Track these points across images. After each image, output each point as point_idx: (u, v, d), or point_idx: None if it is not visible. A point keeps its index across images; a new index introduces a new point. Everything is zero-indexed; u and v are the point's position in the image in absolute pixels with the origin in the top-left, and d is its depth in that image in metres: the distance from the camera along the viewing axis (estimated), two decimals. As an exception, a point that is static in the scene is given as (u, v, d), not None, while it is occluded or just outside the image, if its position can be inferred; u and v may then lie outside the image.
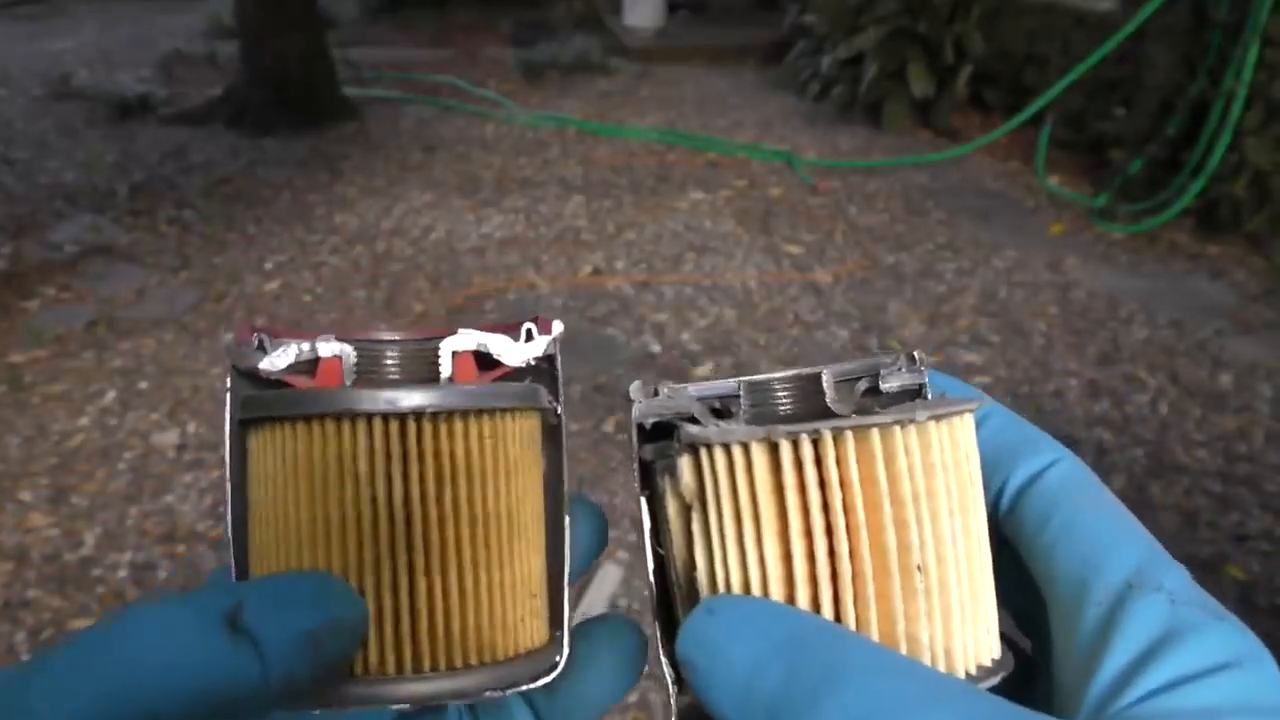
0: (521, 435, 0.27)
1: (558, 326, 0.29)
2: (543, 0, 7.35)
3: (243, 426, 0.27)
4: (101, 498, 2.12)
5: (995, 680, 0.25)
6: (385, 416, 0.25)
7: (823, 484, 0.23)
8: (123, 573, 1.91)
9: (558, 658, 0.28)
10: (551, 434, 0.29)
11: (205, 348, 2.73)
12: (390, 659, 0.25)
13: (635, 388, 0.28)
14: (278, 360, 0.28)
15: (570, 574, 0.29)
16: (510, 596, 0.27)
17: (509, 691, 0.26)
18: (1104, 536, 0.24)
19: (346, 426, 0.25)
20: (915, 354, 0.27)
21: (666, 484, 0.27)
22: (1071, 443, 1.69)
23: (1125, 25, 3.78)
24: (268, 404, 0.26)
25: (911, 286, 3.15)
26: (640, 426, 0.28)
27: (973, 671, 0.24)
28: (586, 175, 4.12)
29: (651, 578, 0.27)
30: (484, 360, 0.29)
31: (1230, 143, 3.36)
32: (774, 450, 0.24)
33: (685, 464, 0.26)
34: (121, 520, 2.05)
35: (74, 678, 0.19)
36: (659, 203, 3.83)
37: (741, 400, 0.27)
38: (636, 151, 4.44)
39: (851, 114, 4.86)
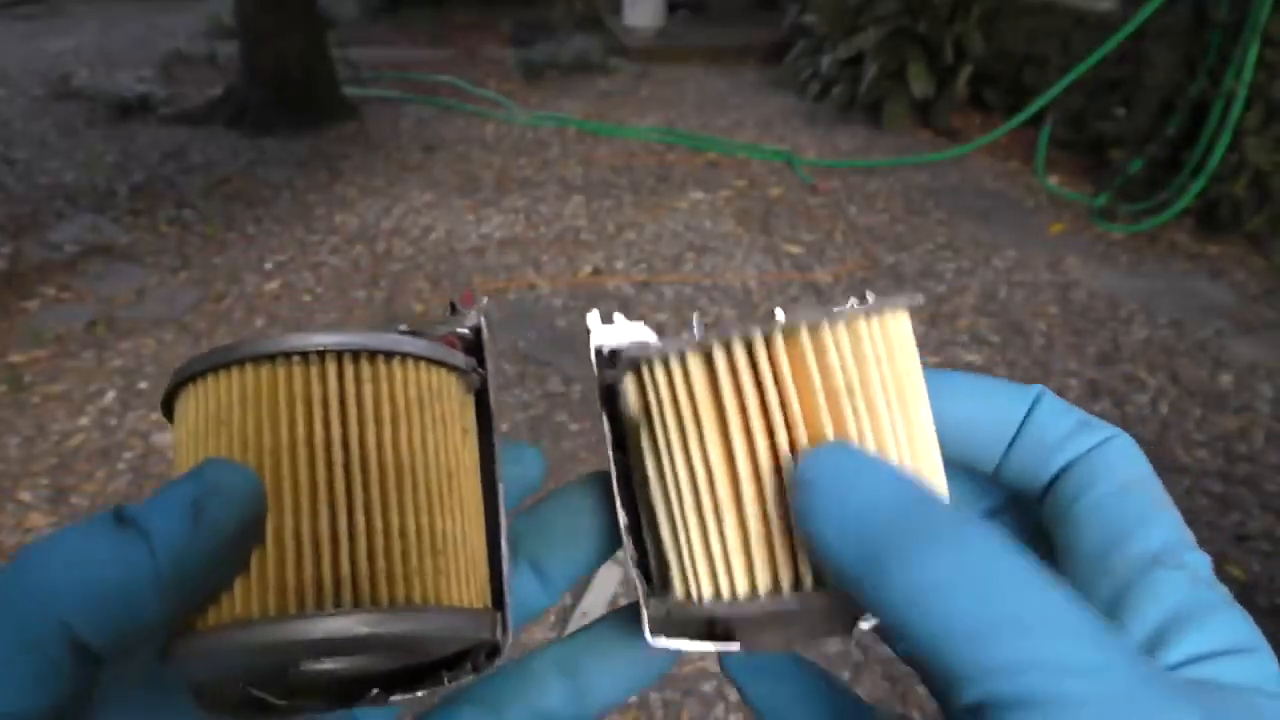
0: (414, 385, 0.27)
1: (482, 299, 0.31)
2: (542, 0, 7.35)
3: (167, 407, 0.27)
4: (101, 498, 2.12)
5: None
6: (304, 355, 0.25)
7: (759, 384, 0.24)
8: (123, 573, 1.91)
9: (500, 636, 0.27)
10: (479, 399, 0.30)
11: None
12: (292, 598, 0.23)
13: (592, 318, 0.29)
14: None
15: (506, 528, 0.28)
16: (434, 547, 0.25)
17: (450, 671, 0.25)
18: (1134, 513, 0.24)
19: (266, 367, 0.25)
20: (866, 294, 0.27)
21: (622, 405, 0.28)
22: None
23: (1125, 25, 3.78)
24: (189, 365, 0.26)
25: (911, 286, 3.15)
26: (599, 352, 0.29)
27: None
28: (586, 175, 4.12)
29: (616, 486, 0.28)
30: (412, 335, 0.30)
31: (1230, 143, 3.36)
32: (709, 358, 0.25)
33: (629, 383, 0.27)
34: (121, 520, 2.05)
35: None
36: (659, 203, 3.83)
37: (695, 333, 0.28)
38: (636, 151, 4.44)
39: (851, 114, 4.86)
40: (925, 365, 0.27)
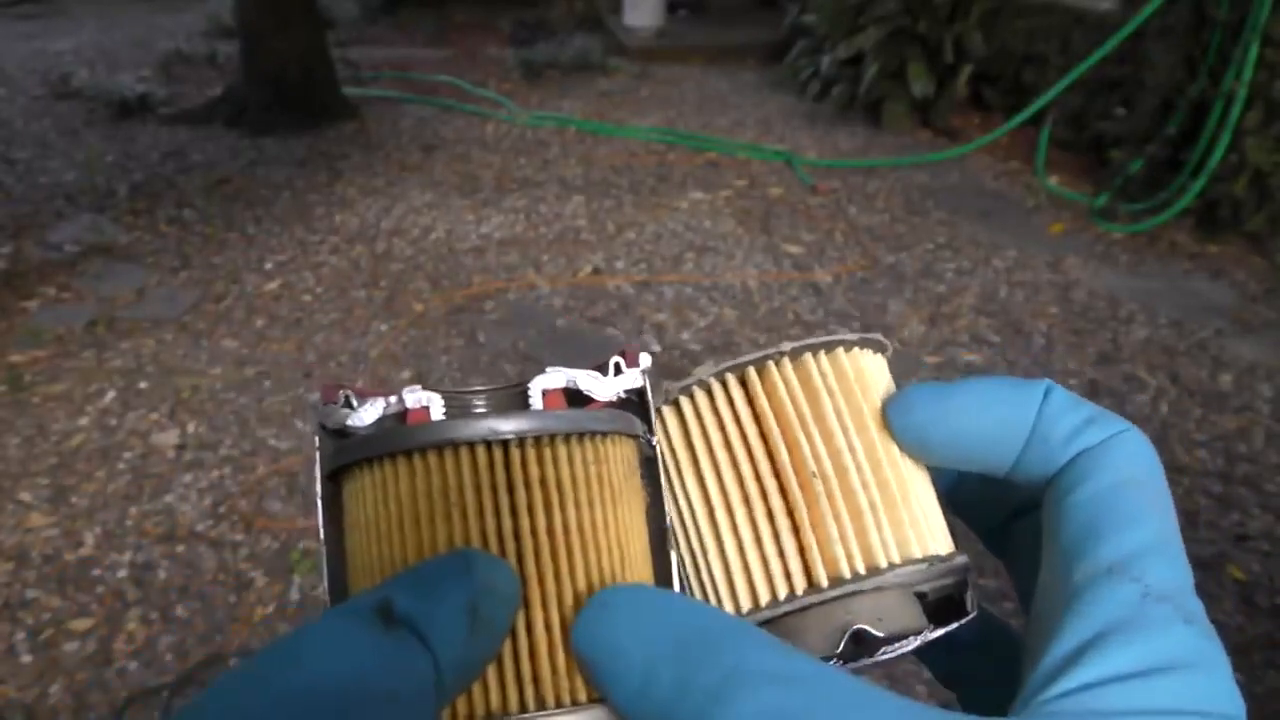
0: (622, 461, 0.27)
1: (645, 359, 0.29)
2: (542, 0, 7.35)
3: (334, 479, 0.27)
4: (101, 498, 2.12)
5: (923, 568, 0.26)
6: (488, 444, 0.25)
7: (721, 425, 0.27)
8: (122, 573, 1.91)
9: None
10: (648, 466, 0.29)
11: (205, 348, 2.73)
12: (513, 698, 0.23)
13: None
14: (365, 415, 0.27)
15: None
16: None
17: None
18: (1115, 515, 0.22)
19: (449, 457, 0.25)
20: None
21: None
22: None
23: (1125, 25, 3.78)
24: (361, 446, 0.26)
25: (911, 286, 3.15)
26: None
27: (897, 562, 0.26)
28: (586, 175, 4.12)
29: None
30: (574, 397, 0.29)
31: (1230, 142, 3.36)
32: (677, 406, 0.28)
33: (670, 415, 0.30)
34: (121, 520, 2.05)
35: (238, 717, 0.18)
36: (659, 203, 3.83)
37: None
38: (636, 151, 4.44)
39: (851, 114, 4.86)
40: (993, 367, 0.28)
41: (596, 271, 3.23)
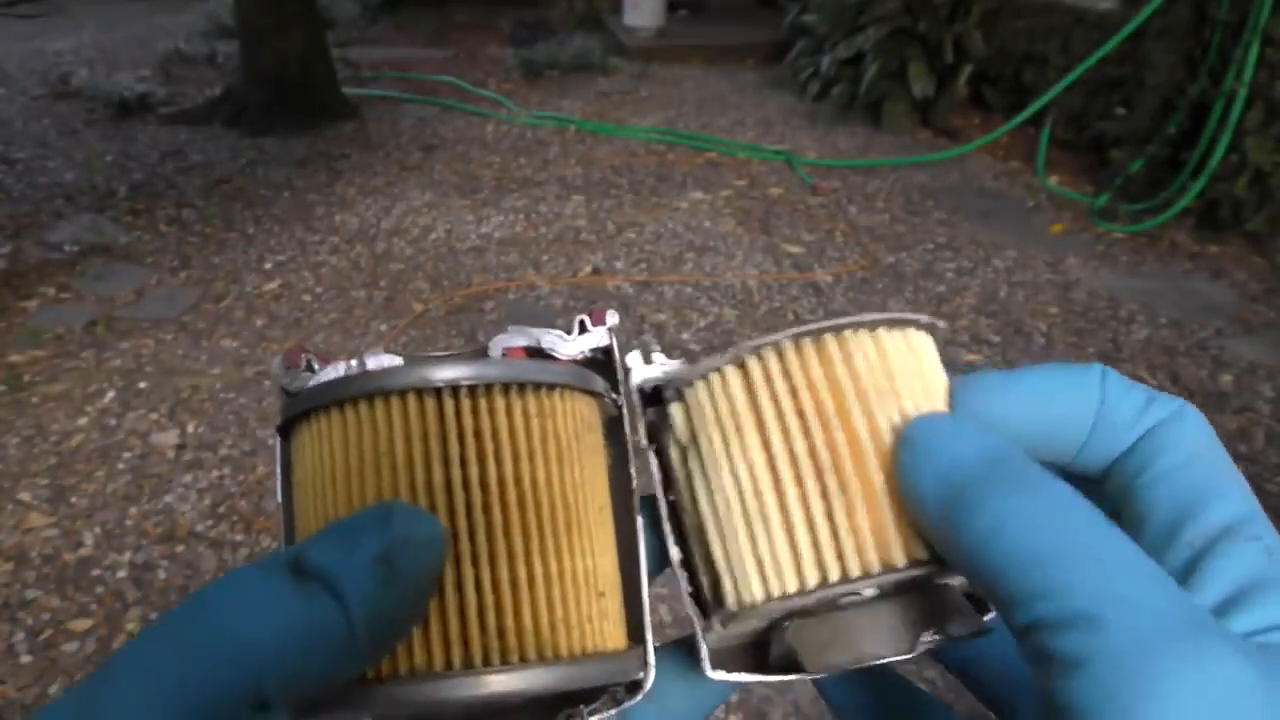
0: (573, 417, 0.26)
1: (612, 317, 0.29)
2: (542, 0, 7.35)
3: (284, 436, 0.26)
4: (101, 498, 2.12)
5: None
6: (419, 393, 0.24)
7: (792, 390, 0.25)
8: (122, 573, 1.91)
9: (640, 674, 0.26)
10: (613, 427, 0.28)
11: (205, 348, 2.73)
12: (439, 656, 0.22)
13: (633, 357, 0.28)
14: (325, 377, 0.26)
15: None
16: (572, 591, 0.24)
17: (588, 703, 0.24)
18: (1204, 484, 0.23)
19: (380, 407, 0.24)
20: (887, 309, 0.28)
21: (667, 436, 0.28)
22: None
23: (1126, 24, 3.78)
24: (301, 400, 0.25)
25: (912, 286, 3.15)
26: (641, 391, 0.29)
27: None
28: (586, 175, 4.12)
29: (667, 525, 0.28)
30: (537, 356, 0.28)
31: (1231, 142, 3.36)
32: (744, 369, 0.26)
33: (676, 410, 0.27)
34: (121, 520, 2.05)
35: (142, 682, 0.18)
36: (659, 203, 3.82)
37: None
38: (636, 151, 4.44)
39: (851, 114, 4.86)
40: (993, 367, 0.27)
41: (596, 271, 3.22)
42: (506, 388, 0.25)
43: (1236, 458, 2.04)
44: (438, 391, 0.24)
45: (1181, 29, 3.59)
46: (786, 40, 5.60)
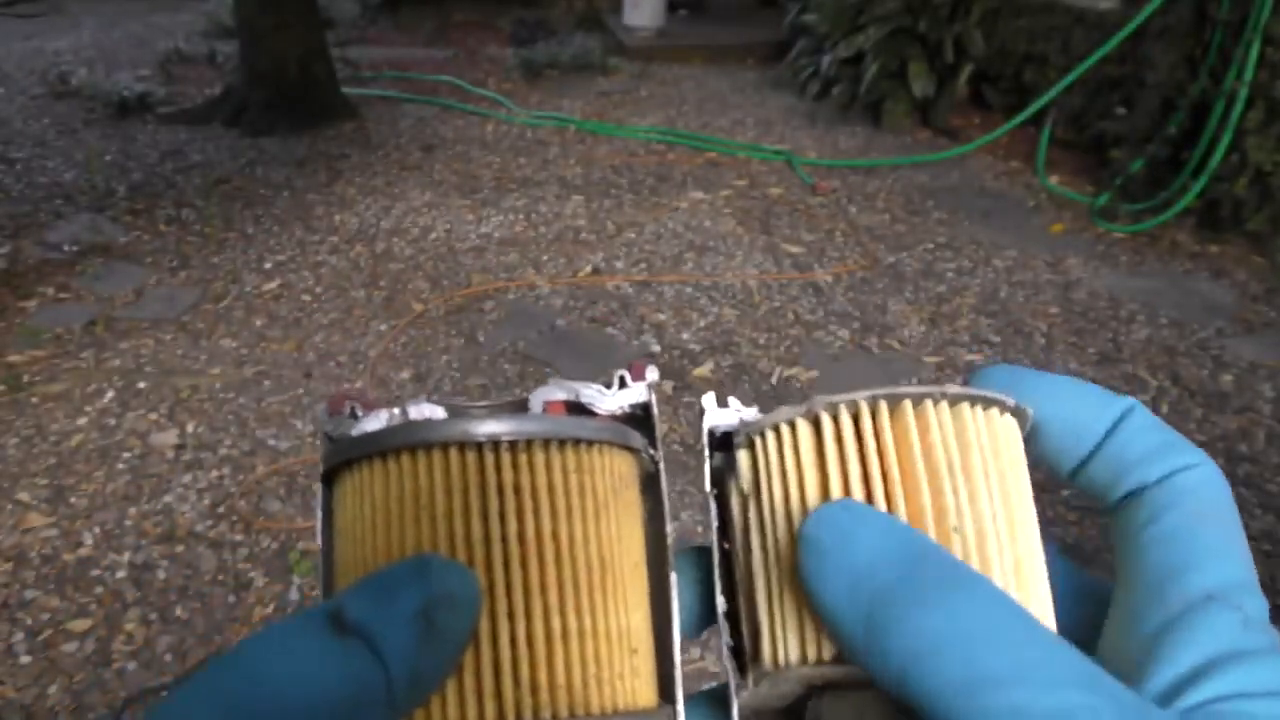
0: (611, 473, 0.26)
1: (652, 373, 0.28)
2: (543, 0, 7.35)
3: (326, 484, 0.26)
4: (100, 498, 2.11)
5: None
6: (461, 446, 0.24)
7: (862, 454, 0.24)
8: (122, 573, 1.91)
9: None
10: (650, 484, 0.28)
11: (204, 348, 2.72)
12: (472, 711, 0.22)
13: (708, 399, 0.28)
14: (369, 425, 0.27)
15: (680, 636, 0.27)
16: (605, 648, 0.24)
17: None
18: (1201, 546, 0.23)
19: (422, 459, 0.24)
20: (971, 379, 0.27)
21: (731, 482, 0.27)
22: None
23: (1126, 24, 3.78)
24: (344, 448, 0.25)
25: (912, 286, 3.15)
26: (711, 435, 0.28)
27: None
28: (586, 175, 4.11)
29: (717, 571, 0.27)
30: (576, 410, 0.28)
31: (1231, 142, 3.35)
32: (816, 424, 0.25)
33: (743, 457, 0.27)
34: (120, 520, 2.05)
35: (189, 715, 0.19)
36: (659, 202, 3.82)
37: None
38: (636, 151, 4.43)
39: (851, 113, 4.86)
40: (929, 374, 0.27)
41: (596, 271, 3.22)
42: (546, 443, 0.25)
43: (1238, 458, 2.05)
44: (479, 446, 0.24)
45: (1182, 28, 3.59)
46: (786, 40, 5.59)
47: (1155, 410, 2.44)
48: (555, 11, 7.26)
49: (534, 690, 0.23)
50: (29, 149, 4.27)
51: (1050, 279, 3.20)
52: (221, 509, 2.09)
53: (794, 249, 3.41)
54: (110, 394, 2.48)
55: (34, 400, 2.45)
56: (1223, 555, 0.23)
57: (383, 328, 2.84)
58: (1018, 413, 0.26)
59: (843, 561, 0.21)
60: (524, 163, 4.25)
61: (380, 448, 0.24)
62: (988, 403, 0.25)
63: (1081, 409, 0.26)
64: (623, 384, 0.28)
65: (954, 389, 0.25)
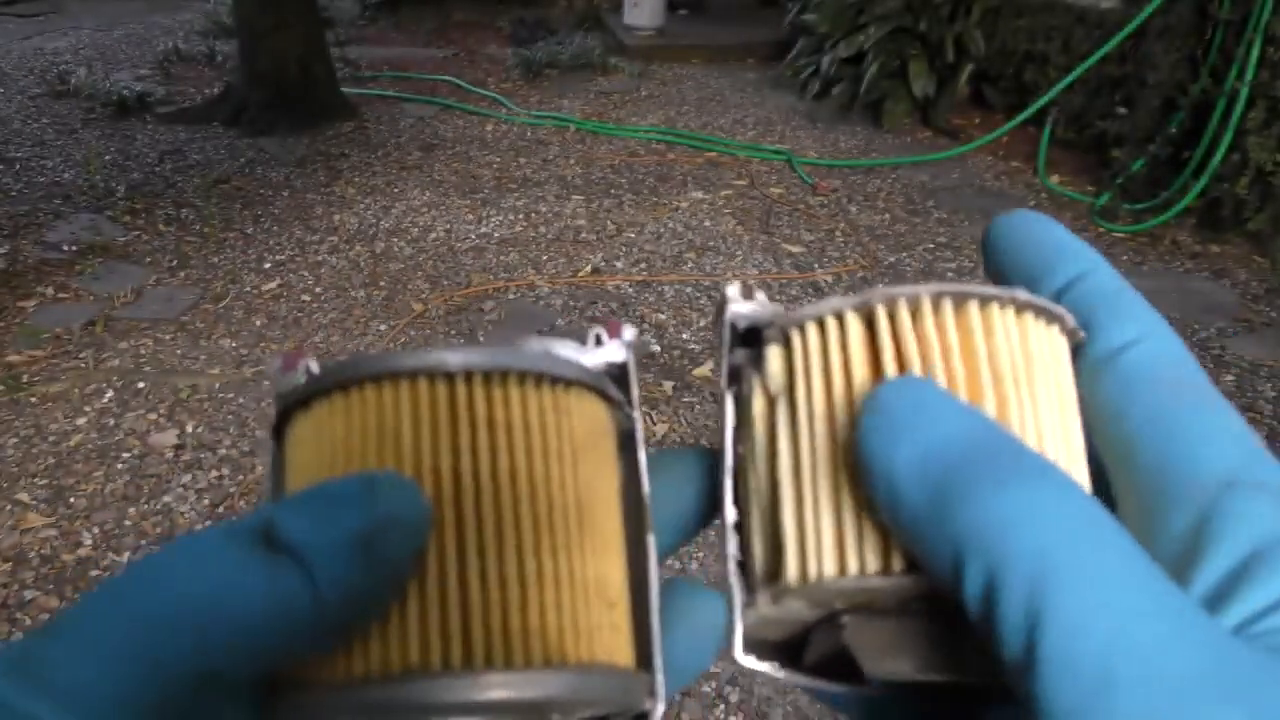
0: (587, 417, 0.24)
1: (628, 331, 0.27)
2: (542, 0, 7.35)
3: (278, 434, 0.24)
4: (99, 498, 2.11)
5: None
6: (431, 378, 0.22)
7: (923, 351, 0.22)
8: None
9: (648, 704, 0.23)
10: (627, 442, 0.27)
11: (204, 348, 2.72)
12: (436, 652, 0.20)
13: (732, 289, 0.26)
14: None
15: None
16: (582, 597, 0.23)
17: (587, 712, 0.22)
18: (1196, 429, 0.20)
19: (389, 391, 0.22)
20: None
21: (754, 381, 0.25)
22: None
23: (1127, 23, 3.78)
24: (303, 386, 0.23)
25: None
26: (733, 328, 0.26)
27: None
28: (586, 175, 4.11)
29: (729, 477, 0.25)
30: None
31: (1232, 142, 3.35)
32: (869, 320, 0.23)
33: (774, 353, 0.25)
34: (120, 520, 2.04)
35: (88, 644, 0.17)
36: (659, 202, 3.82)
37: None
38: (636, 151, 4.43)
39: (852, 113, 4.85)
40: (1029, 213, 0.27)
41: (596, 271, 3.22)
42: (522, 379, 0.23)
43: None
44: (450, 377, 0.22)
45: (1183, 28, 3.59)
46: (787, 39, 5.59)
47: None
48: (555, 11, 7.26)
49: (505, 635, 0.21)
50: (28, 149, 4.26)
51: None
52: (221, 509, 2.08)
53: (794, 249, 3.41)
54: (109, 394, 2.48)
55: (33, 400, 2.44)
56: (1220, 433, 0.20)
57: (382, 328, 2.83)
58: (1073, 335, 0.24)
59: (917, 432, 0.19)
60: (524, 162, 4.24)
61: (342, 379, 0.22)
62: (1051, 316, 0.23)
63: (1037, 259, 0.25)
64: (599, 342, 0.27)
65: (1022, 296, 0.23)
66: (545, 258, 3.30)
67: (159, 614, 0.17)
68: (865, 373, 0.22)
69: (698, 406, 2.45)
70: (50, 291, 2.99)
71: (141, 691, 0.17)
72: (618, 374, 0.27)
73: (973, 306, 0.22)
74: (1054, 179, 4.00)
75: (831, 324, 0.23)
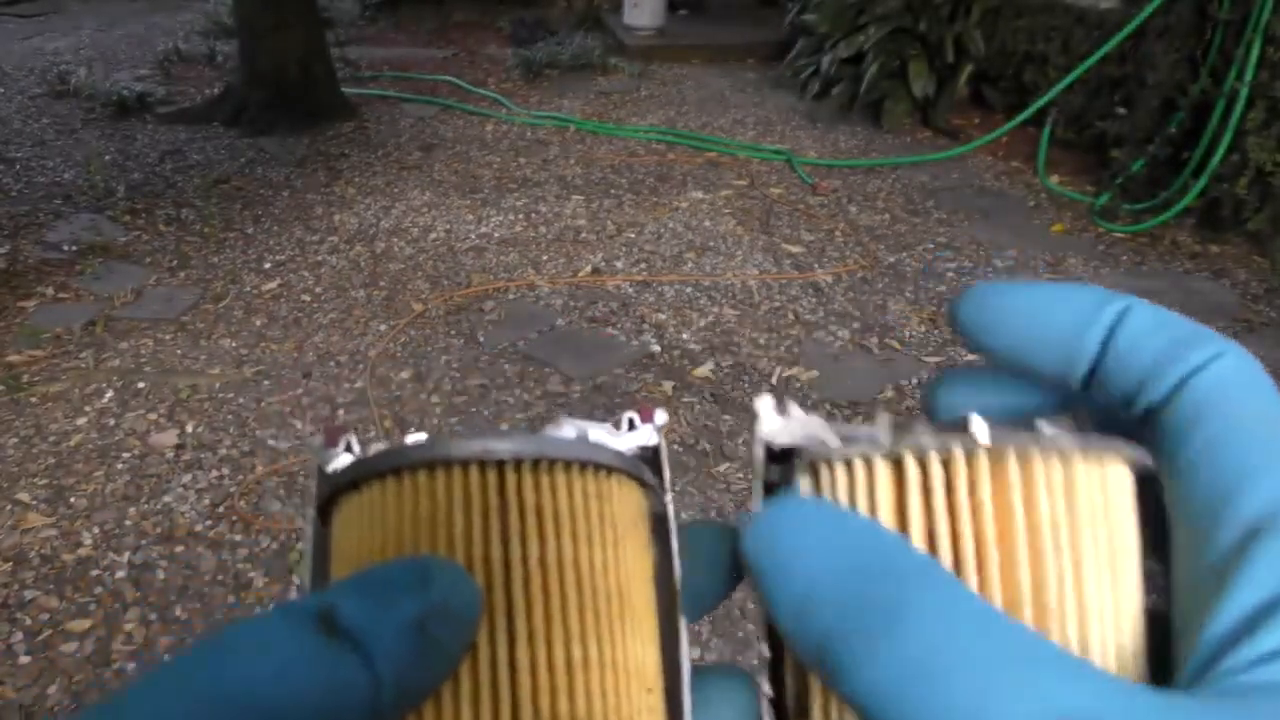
0: (627, 503, 0.25)
1: (660, 416, 0.27)
2: (542, 0, 7.35)
3: (324, 514, 0.25)
4: (99, 498, 2.11)
5: None
6: (482, 465, 0.23)
7: (951, 510, 0.21)
8: (121, 573, 1.90)
9: None
10: (659, 526, 0.27)
11: (204, 348, 2.72)
12: None
13: (765, 404, 0.25)
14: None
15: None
16: (625, 682, 0.23)
17: None
18: (1255, 454, 0.19)
19: (440, 477, 0.23)
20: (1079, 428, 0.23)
21: None
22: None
23: (1127, 24, 3.78)
24: (353, 467, 0.24)
25: (912, 286, 3.14)
26: (768, 446, 0.26)
27: None
28: (586, 175, 4.11)
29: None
30: None
31: (1232, 142, 3.35)
32: (899, 469, 0.22)
33: (804, 484, 0.24)
34: (120, 520, 2.04)
35: (154, 713, 0.17)
36: (659, 202, 3.82)
37: (881, 438, 0.24)
38: (636, 151, 4.43)
39: (852, 113, 4.86)
40: (930, 375, 0.24)
41: (596, 271, 3.22)
42: (568, 466, 0.24)
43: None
44: (500, 465, 0.23)
45: (1183, 28, 3.59)
46: (787, 39, 5.59)
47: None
48: (555, 11, 7.26)
49: None
50: (28, 149, 4.27)
51: (1051, 279, 3.20)
52: (221, 509, 2.09)
53: (794, 249, 3.41)
54: (110, 394, 2.48)
55: (33, 400, 2.44)
56: (1265, 468, 0.19)
57: (382, 328, 2.84)
58: (1133, 465, 0.22)
59: (784, 589, 0.19)
60: (524, 162, 4.24)
61: (395, 464, 0.23)
62: (1102, 453, 0.22)
63: (1067, 321, 0.22)
64: (631, 426, 0.27)
65: (1066, 440, 0.21)
66: (545, 258, 3.30)
67: (222, 693, 0.17)
68: (892, 524, 0.22)
69: (697, 406, 2.45)
70: (50, 291, 2.99)
71: None
72: (650, 457, 0.28)
73: (1010, 459, 0.21)
74: (1054, 179, 4.00)
75: (860, 467, 0.22)
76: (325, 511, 0.25)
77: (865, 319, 2.92)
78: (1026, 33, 4.49)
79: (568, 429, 0.26)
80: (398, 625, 0.19)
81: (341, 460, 0.25)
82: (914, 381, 2.58)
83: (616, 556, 0.24)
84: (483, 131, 4.67)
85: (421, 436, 0.25)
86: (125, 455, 2.25)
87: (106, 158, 4.16)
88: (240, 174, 4.03)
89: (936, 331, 2.85)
